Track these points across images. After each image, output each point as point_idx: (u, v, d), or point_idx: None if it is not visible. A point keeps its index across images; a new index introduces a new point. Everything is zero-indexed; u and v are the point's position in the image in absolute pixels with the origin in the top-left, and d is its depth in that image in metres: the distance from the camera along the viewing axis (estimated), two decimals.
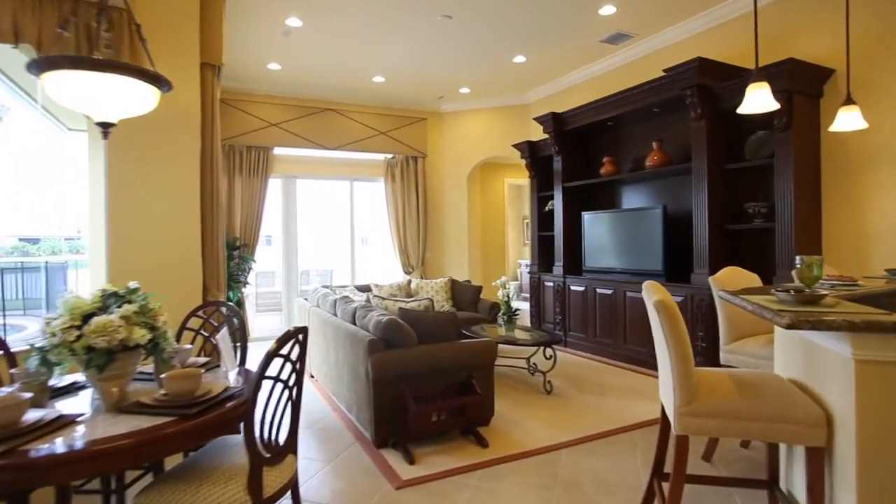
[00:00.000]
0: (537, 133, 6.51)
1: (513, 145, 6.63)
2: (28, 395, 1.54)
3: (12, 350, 2.21)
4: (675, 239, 4.78)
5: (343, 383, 3.69)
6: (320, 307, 4.80)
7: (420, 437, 3.13)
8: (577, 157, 5.98)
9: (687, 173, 4.66)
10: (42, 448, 1.40)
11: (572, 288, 5.76)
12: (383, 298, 3.64)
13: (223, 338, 2.11)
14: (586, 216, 5.61)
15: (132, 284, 2.02)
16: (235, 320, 2.72)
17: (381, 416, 3.10)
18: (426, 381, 3.21)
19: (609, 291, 5.24)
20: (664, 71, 4.22)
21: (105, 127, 2.04)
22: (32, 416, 1.54)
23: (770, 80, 3.62)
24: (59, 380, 1.96)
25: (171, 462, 1.96)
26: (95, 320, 1.65)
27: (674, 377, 1.74)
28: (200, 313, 2.71)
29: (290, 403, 1.90)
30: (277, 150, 6.79)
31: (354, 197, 7.47)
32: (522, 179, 8.55)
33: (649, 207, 4.82)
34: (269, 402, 1.77)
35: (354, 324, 3.71)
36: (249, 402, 1.68)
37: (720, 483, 2.24)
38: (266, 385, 1.72)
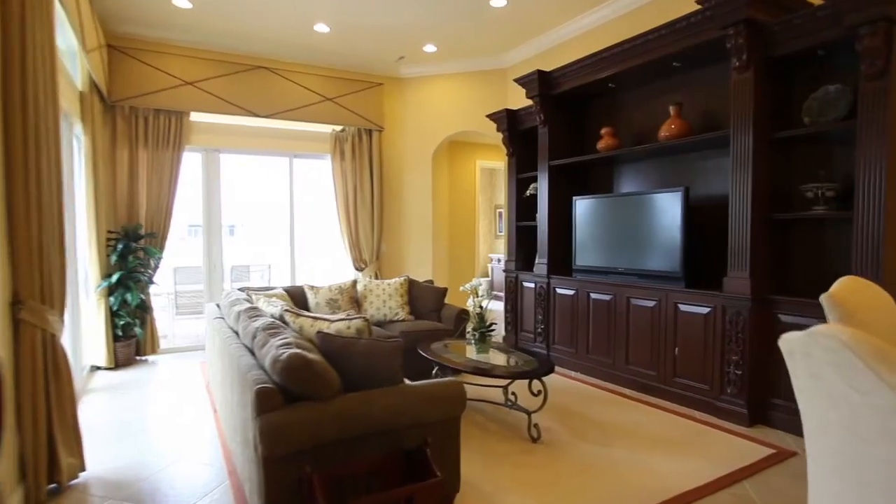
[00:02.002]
0: (518, 100, 5.35)
1: (488, 115, 5.44)
2: None
3: None
4: (697, 231, 3.72)
5: (237, 441, 2.47)
6: (225, 319, 3.55)
7: None
8: (567, 128, 4.83)
9: (716, 146, 3.59)
10: None
11: (559, 291, 4.66)
12: (298, 315, 2.42)
13: None
14: (579, 202, 4.49)
15: None
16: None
17: None
18: (353, 453, 2.03)
19: (607, 297, 4.15)
20: (698, 3, 3.11)
21: None
22: None
23: (861, 4, 2.56)
24: None
25: None
26: None
27: None
28: None
29: None
30: (195, 116, 5.41)
31: (294, 177, 6.13)
32: (497, 162, 7.40)
33: (664, 190, 3.73)
34: None
35: (254, 354, 2.50)
36: None
37: None
38: None
